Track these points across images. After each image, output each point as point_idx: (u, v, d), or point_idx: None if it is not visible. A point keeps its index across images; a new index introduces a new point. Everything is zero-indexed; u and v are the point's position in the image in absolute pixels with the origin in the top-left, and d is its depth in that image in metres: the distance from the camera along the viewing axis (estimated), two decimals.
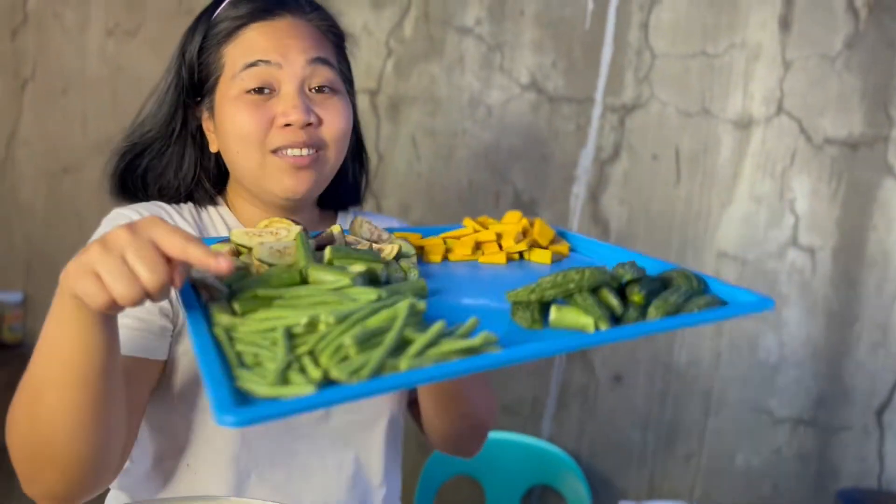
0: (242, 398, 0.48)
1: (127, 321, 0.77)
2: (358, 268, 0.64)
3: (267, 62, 0.83)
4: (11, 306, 1.94)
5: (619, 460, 1.70)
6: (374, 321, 0.54)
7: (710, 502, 1.58)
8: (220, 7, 0.88)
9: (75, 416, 0.64)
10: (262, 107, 0.83)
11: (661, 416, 1.68)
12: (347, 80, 0.92)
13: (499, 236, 0.84)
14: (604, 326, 0.58)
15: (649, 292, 0.62)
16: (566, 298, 0.62)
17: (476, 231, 0.85)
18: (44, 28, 1.90)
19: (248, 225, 0.91)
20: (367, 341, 0.52)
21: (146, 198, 0.92)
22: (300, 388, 0.47)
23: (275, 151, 0.83)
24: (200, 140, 0.91)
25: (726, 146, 1.58)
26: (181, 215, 0.89)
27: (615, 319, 0.60)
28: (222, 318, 0.57)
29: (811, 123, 1.54)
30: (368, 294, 0.59)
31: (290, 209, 0.90)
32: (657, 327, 0.59)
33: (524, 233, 0.85)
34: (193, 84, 0.88)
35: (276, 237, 0.71)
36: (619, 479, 1.71)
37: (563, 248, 0.84)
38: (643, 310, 0.61)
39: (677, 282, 0.66)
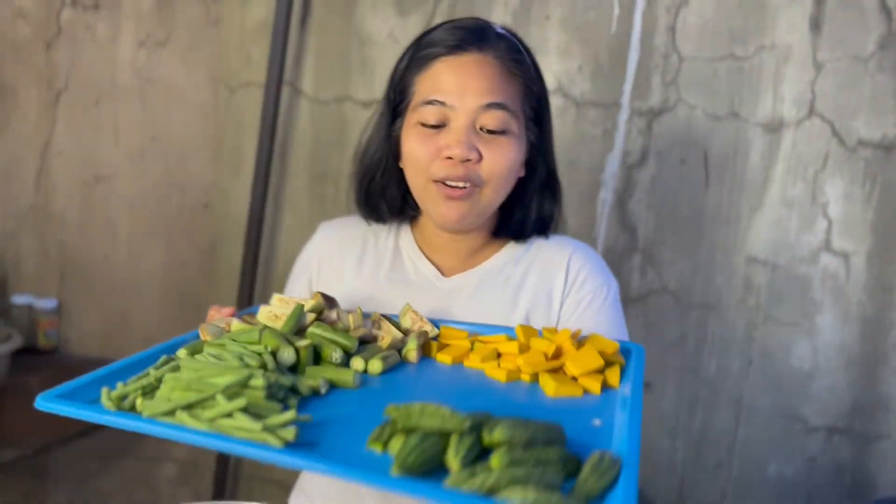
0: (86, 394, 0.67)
1: None
2: (303, 343, 0.74)
3: (442, 103, 0.91)
4: (46, 313, 1.98)
5: (647, 469, 1.68)
6: (215, 379, 0.64)
7: None
8: (428, 35, 0.96)
9: None
10: (433, 138, 0.91)
11: (690, 423, 1.65)
12: (534, 120, 0.98)
13: (525, 350, 0.80)
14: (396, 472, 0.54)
15: (512, 461, 0.53)
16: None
17: (510, 339, 0.83)
18: (77, 40, 1.94)
19: (423, 242, 1.05)
20: (191, 388, 0.63)
21: (379, 216, 1.06)
22: (107, 403, 0.64)
23: (435, 181, 0.92)
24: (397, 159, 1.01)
25: (756, 150, 1.56)
26: (355, 229, 1.09)
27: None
28: (180, 351, 0.74)
29: (844, 125, 1.51)
30: (252, 360, 0.70)
31: (452, 233, 1.00)
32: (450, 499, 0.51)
33: (557, 354, 0.79)
34: (395, 105, 0.98)
35: (288, 308, 0.82)
36: (648, 488, 1.69)
37: (593, 384, 0.74)
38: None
39: (585, 469, 0.55)
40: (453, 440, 0.56)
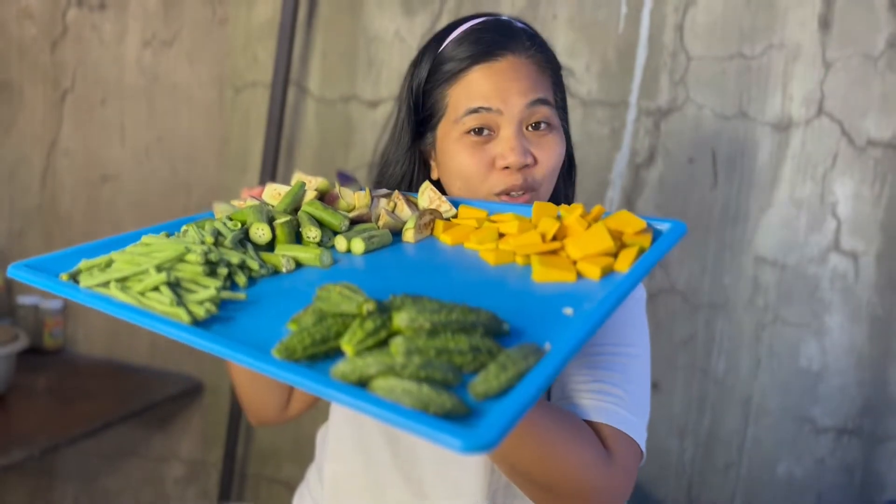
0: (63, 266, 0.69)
1: None
2: (281, 220, 0.72)
3: (488, 109, 0.87)
4: (52, 313, 1.98)
5: (656, 469, 1.68)
6: (160, 253, 0.64)
7: None
8: (444, 43, 0.92)
9: (252, 396, 1.01)
10: (483, 148, 0.87)
11: (699, 423, 1.65)
12: (562, 108, 0.96)
13: (527, 230, 0.73)
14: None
15: (410, 349, 0.50)
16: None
17: (521, 219, 0.76)
18: (83, 39, 1.94)
19: None
20: (131, 264, 0.64)
21: None
22: (62, 276, 0.66)
23: (497, 194, 0.88)
24: (427, 169, 0.97)
25: (765, 149, 1.55)
26: None
27: None
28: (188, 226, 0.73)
29: (853, 125, 1.50)
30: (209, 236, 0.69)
31: None
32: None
33: (561, 235, 0.71)
34: (420, 119, 0.94)
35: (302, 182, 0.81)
36: (656, 489, 1.68)
37: (592, 269, 0.65)
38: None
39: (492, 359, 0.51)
40: (354, 324, 0.52)
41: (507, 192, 0.88)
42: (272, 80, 1.75)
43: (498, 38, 0.90)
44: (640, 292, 0.99)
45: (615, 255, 0.68)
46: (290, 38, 1.72)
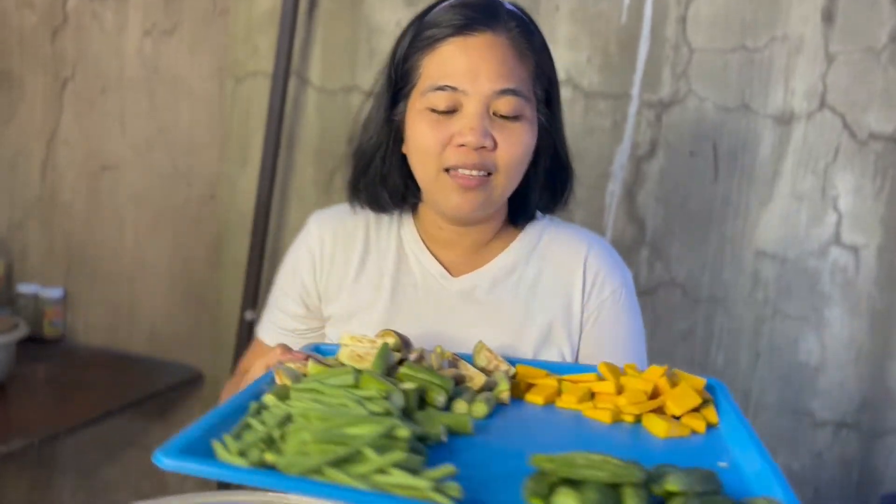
0: (198, 449, 0.56)
1: (273, 322, 1.02)
2: (409, 385, 0.68)
3: (454, 88, 0.85)
4: (52, 302, 1.98)
5: None
6: (351, 430, 0.57)
7: None
8: (430, 13, 0.90)
9: None
10: (444, 124, 0.86)
11: None
12: (544, 101, 0.93)
13: (620, 390, 0.76)
14: None
15: None
16: (582, 484, 0.54)
17: (601, 379, 0.78)
18: (83, 29, 1.93)
19: (426, 236, 0.98)
20: (331, 441, 0.55)
21: (379, 205, 0.97)
22: (235, 459, 0.54)
23: (447, 170, 0.87)
24: (400, 142, 0.94)
25: (766, 142, 1.55)
26: (356, 225, 0.99)
27: None
28: (268, 397, 0.65)
29: (855, 119, 1.50)
30: (375, 406, 0.62)
31: (461, 224, 0.95)
32: None
33: (655, 394, 0.75)
34: (396, 87, 0.91)
35: (372, 346, 0.75)
36: None
37: (697, 421, 0.72)
38: None
39: None
40: (628, 492, 0.52)
41: (457, 168, 0.86)
42: (273, 70, 1.74)
43: (480, 15, 0.87)
44: (630, 282, 1.00)
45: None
46: (291, 28, 1.72)
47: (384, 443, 0.56)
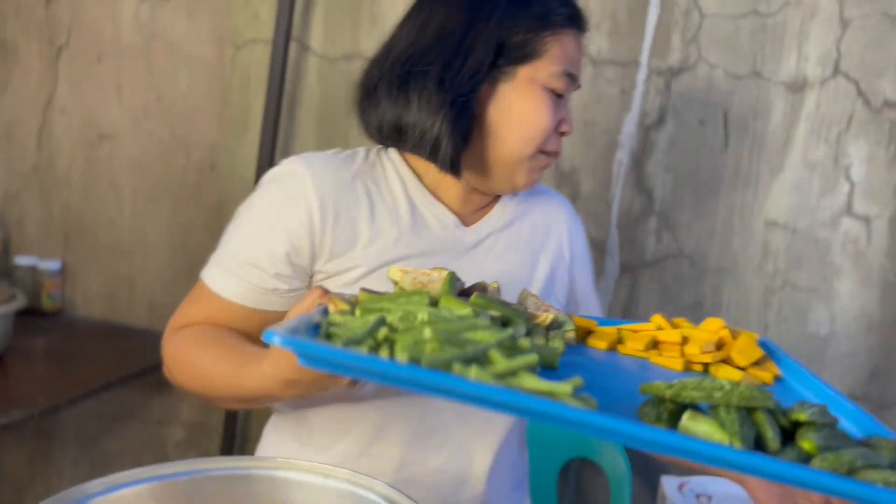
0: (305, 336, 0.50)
1: (244, 279, 0.87)
2: (494, 312, 0.62)
3: (574, 78, 0.89)
4: (50, 274, 1.95)
5: None
6: (470, 335, 0.52)
7: None
8: None
9: (228, 403, 0.83)
10: (558, 108, 0.88)
11: None
12: None
13: (685, 340, 0.74)
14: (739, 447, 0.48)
15: (826, 446, 0.51)
16: (710, 409, 0.52)
17: (660, 328, 0.77)
18: None
19: (428, 185, 0.93)
20: (449, 341, 0.49)
21: (381, 135, 0.91)
22: (360, 348, 0.48)
23: (543, 152, 0.89)
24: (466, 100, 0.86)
25: (778, 110, 1.51)
26: (334, 165, 0.90)
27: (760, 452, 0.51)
28: (334, 315, 0.58)
29: (869, 86, 1.47)
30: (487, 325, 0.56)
31: (482, 192, 0.95)
32: (814, 479, 0.45)
33: (719, 345, 0.74)
34: (497, 48, 0.86)
35: (429, 277, 0.69)
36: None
37: (765, 373, 0.71)
38: (807, 460, 0.50)
39: (882, 450, 0.53)
40: (760, 417, 0.51)
41: (550, 154, 0.90)
42: (273, 37, 1.71)
43: (578, 12, 0.91)
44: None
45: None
46: None
47: (509, 349, 0.52)
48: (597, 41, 1.58)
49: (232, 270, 0.89)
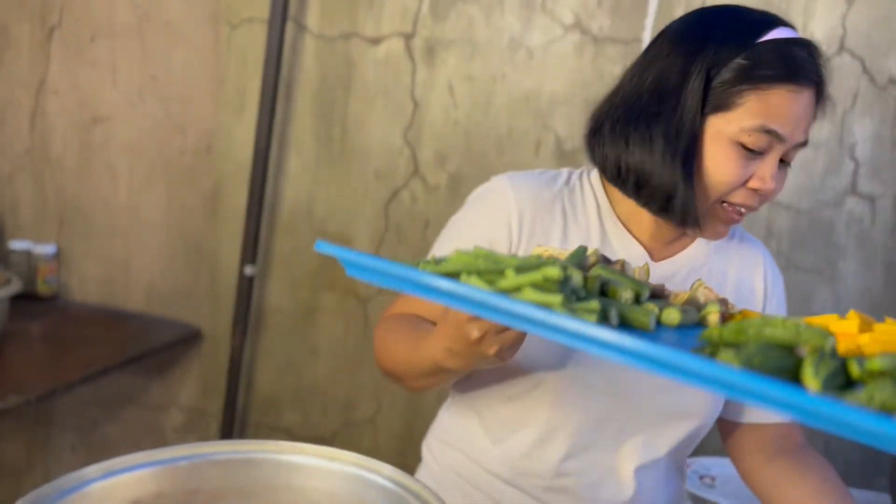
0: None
1: None
2: (592, 274, 0.64)
3: (779, 136, 0.83)
4: (46, 259, 1.93)
5: None
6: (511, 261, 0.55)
7: None
8: (757, 39, 0.84)
9: (414, 380, 0.88)
10: (749, 164, 0.84)
11: None
12: None
13: (864, 329, 0.70)
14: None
15: None
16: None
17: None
18: None
19: (623, 217, 0.94)
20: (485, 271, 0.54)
21: (605, 173, 0.91)
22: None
23: (724, 202, 0.86)
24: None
25: None
26: (546, 187, 0.94)
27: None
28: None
29: (875, 63, 1.45)
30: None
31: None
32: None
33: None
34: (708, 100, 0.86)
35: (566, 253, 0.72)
36: None
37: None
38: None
39: None
40: (810, 358, 0.48)
41: (737, 207, 0.86)
42: (269, 16, 1.68)
43: (808, 64, 0.84)
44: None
45: None
46: None
47: (532, 268, 0.54)
48: (599, 18, 1.56)
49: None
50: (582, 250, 0.70)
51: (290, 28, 1.72)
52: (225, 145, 1.82)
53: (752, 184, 0.84)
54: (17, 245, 1.93)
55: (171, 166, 1.87)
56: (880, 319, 0.74)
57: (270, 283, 1.85)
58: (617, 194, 0.93)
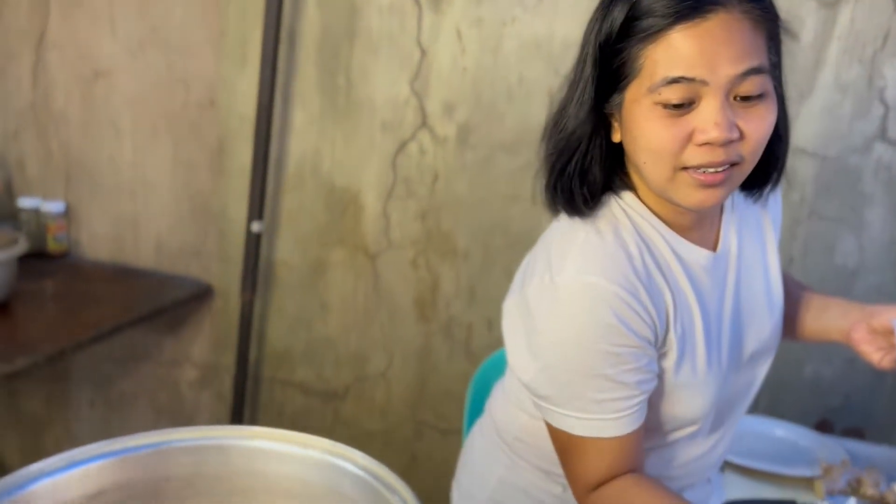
0: None
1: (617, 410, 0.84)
2: None
3: (691, 80, 0.75)
4: (55, 216, 1.92)
5: None
6: None
7: (775, 414, 1.50)
8: None
9: None
10: (680, 120, 0.76)
11: None
12: (776, 65, 0.82)
13: None
14: None
15: None
16: None
17: None
18: None
19: (670, 224, 0.88)
20: None
21: (573, 206, 0.86)
22: None
23: (687, 168, 0.78)
24: (607, 131, 0.85)
25: (809, 28, 1.41)
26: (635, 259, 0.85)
27: None
28: None
29: None
30: None
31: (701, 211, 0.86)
32: None
33: None
34: (606, 77, 0.80)
35: None
36: None
37: None
38: None
39: None
40: None
41: (699, 168, 0.77)
42: None
43: None
44: None
45: None
46: None
47: None
48: None
49: (592, 412, 0.85)
50: None
51: None
52: (228, 98, 1.78)
53: (699, 137, 0.76)
54: (26, 203, 1.91)
55: (174, 121, 1.84)
56: None
57: (279, 240, 1.82)
58: (652, 205, 0.87)
